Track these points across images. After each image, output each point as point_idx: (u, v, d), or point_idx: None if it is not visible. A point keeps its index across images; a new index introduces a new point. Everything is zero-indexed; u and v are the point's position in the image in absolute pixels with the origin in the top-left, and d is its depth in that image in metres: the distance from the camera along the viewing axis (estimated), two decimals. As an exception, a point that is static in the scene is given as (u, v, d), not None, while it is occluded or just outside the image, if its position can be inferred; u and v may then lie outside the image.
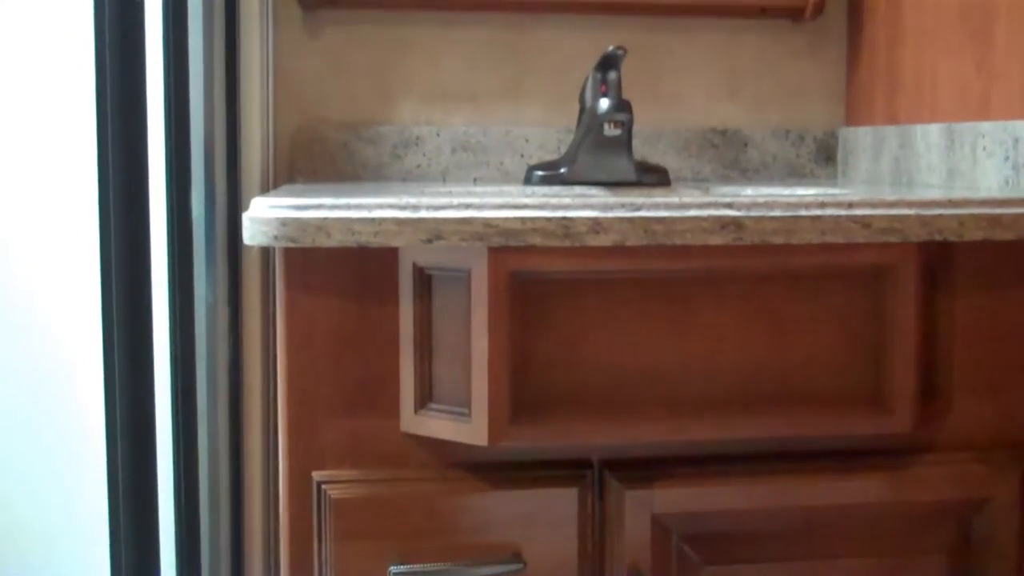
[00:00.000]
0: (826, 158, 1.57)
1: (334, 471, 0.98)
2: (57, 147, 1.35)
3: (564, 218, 0.93)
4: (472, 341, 0.94)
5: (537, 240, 0.93)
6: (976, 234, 0.98)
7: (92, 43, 1.07)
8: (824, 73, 1.58)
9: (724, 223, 0.94)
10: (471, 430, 0.95)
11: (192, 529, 1.23)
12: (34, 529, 1.34)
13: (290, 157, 1.47)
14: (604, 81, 1.31)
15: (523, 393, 0.95)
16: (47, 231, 1.35)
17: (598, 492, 1.01)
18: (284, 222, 0.92)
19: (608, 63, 1.31)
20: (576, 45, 1.52)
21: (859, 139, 1.51)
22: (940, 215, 0.97)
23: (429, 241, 0.92)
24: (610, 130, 1.27)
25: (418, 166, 1.49)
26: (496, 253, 0.93)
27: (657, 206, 0.94)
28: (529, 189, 1.30)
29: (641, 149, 1.52)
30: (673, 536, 1.01)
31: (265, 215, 0.93)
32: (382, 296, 0.97)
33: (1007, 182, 1.15)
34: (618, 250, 0.95)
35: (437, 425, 0.97)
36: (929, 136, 1.31)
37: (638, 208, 0.94)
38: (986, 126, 1.19)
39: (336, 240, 0.92)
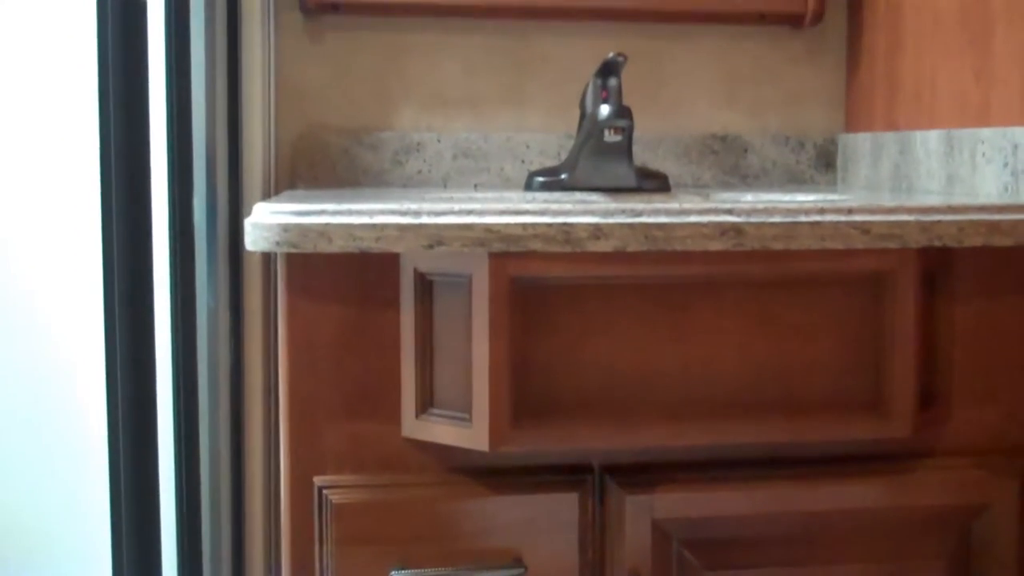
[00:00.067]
0: (826, 164, 1.57)
1: (335, 476, 0.99)
2: (60, 152, 1.36)
3: (565, 224, 0.93)
4: (473, 346, 0.94)
5: (538, 246, 0.93)
6: (975, 240, 0.98)
7: (95, 48, 1.07)
8: (824, 79, 1.58)
9: (724, 229, 0.95)
10: (472, 435, 0.95)
11: (193, 533, 1.24)
12: (35, 532, 1.34)
13: (291, 163, 1.47)
14: (604, 87, 1.32)
15: (524, 398, 0.96)
16: (47, 232, 1.35)
17: (599, 497, 1.01)
18: (286, 228, 0.92)
19: (608, 69, 1.31)
20: (577, 51, 1.52)
21: (859, 145, 1.51)
22: (939, 221, 0.97)
23: (430, 247, 0.92)
24: (610, 136, 1.28)
25: (419, 172, 1.50)
26: (497, 259, 0.93)
27: (657, 212, 0.95)
28: (530, 195, 1.31)
29: (641, 155, 1.52)
30: (673, 541, 1.01)
31: (267, 221, 0.93)
32: (383, 301, 0.98)
33: (1006, 188, 1.15)
34: (618, 256, 0.95)
35: (438, 430, 0.97)
36: (928, 142, 1.32)
37: (638, 214, 0.95)
38: (985, 132, 1.19)
39: (338, 246, 0.92)
